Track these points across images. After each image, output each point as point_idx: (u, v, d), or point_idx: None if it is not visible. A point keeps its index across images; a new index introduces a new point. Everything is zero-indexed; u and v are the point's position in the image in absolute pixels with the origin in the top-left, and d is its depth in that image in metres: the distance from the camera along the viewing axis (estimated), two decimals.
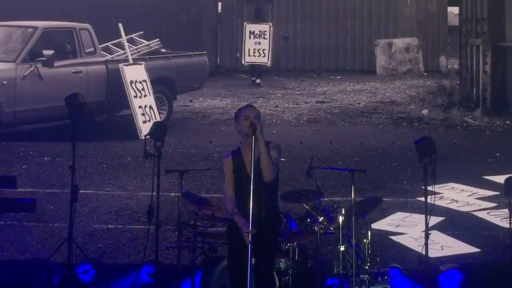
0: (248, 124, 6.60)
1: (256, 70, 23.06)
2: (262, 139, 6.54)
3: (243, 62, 23.17)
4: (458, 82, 21.17)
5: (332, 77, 25.03)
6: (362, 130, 16.16)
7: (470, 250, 8.95)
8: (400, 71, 25.69)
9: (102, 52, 15.94)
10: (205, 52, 18.17)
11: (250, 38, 22.52)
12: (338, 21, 26.51)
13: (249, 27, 22.75)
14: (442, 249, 8.90)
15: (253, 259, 6.34)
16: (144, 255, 7.78)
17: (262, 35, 22.40)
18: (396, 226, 9.74)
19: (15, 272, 7.64)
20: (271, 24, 23.12)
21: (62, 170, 11.89)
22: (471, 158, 13.48)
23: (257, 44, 22.46)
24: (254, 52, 22.34)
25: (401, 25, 26.48)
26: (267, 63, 22.70)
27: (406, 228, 9.64)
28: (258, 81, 22.96)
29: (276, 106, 19.08)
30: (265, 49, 22.42)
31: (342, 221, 7.44)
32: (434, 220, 8.75)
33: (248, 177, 6.56)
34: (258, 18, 23.53)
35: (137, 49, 16.87)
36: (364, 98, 20.53)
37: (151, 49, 17.22)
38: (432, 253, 7.87)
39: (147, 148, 7.75)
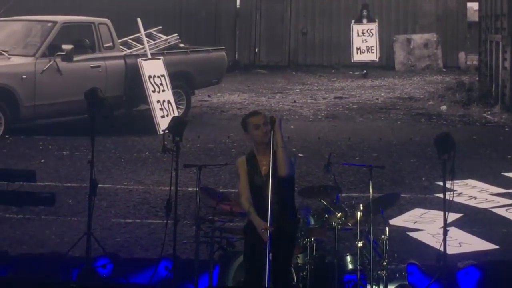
0: (260, 134, 6.56)
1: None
2: (280, 134, 6.52)
3: (352, 61, 23.81)
4: (477, 78, 21.04)
5: (351, 72, 24.96)
6: (380, 126, 16.11)
7: (488, 247, 8.91)
8: (418, 67, 25.56)
9: (121, 46, 15.97)
10: (223, 47, 18.16)
11: (358, 36, 23.48)
12: (357, 16, 26.40)
13: (356, 27, 23.55)
14: (460, 245, 8.87)
15: (271, 255, 6.34)
16: (162, 250, 7.79)
17: (369, 33, 23.34)
18: (414, 223, 9.72)
19: (34, 265, 7.68)
20: (376, 23, 23.80)
21: (80, 164, 11.93)
22: (490, 155, 13.41)
23: (364, 42, 23.42)
24: (362, 50, 23.35)
25: (420, 20, 26.34)
26: (375, 59, 23.60)
27: (424, 225, 9.62)
28: (365, 71, 23.74)
29: (294, 102, 19.05)
30: (372, 46, 23.38)
31: (360, 217, 7.43)
32: (452, 216, 8.69)
33: (262, 182, 6.55)
34: (363, 16, 24.10)
35: (155, 44, 16.88)
36: (382, 94, 20.46)
37: (170, 44, 17.22)
38: (450, 250, 7.85)
39: (166, 142, 7.78)
